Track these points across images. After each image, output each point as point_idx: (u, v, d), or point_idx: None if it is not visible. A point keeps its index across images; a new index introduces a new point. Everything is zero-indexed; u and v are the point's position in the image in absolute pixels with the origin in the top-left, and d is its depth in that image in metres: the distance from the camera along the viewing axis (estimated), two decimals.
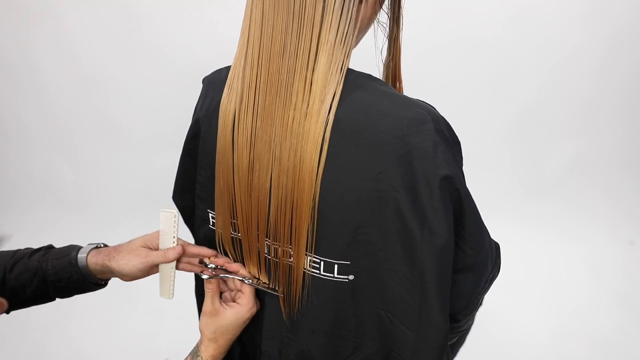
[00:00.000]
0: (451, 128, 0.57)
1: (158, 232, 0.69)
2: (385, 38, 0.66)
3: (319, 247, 0.58)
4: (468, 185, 0.56)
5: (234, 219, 0.65)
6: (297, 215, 0.57)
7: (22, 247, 0.72)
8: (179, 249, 0.67)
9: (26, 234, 2.37)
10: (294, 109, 0.54)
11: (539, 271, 2.18)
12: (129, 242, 0.70)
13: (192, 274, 0.81)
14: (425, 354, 0.58)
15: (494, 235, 0.65)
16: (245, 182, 0.60)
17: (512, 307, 1.96)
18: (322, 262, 0.59)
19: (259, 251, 0.64)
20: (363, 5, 0.55)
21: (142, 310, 1.94)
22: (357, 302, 0.61)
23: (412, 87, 0.76)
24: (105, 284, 0.73)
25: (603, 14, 2.17)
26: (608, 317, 1.93)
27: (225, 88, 0.60)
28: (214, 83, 0.67)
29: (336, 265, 0.58)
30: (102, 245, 0.72)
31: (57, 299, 0.71)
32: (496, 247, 0.67)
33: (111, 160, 2.44)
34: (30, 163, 2.50)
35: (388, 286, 0.58)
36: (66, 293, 0.70)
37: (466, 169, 0.59)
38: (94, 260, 0.68)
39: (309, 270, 0.60)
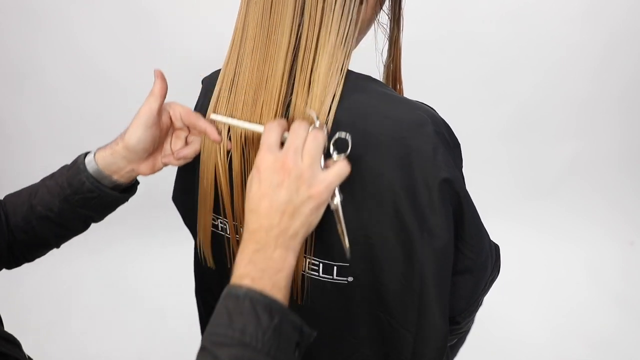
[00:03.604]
0: (451, 130, 0.57)
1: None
2: (385, 39, 0.66)
3: (317, 249, 0.58)
4: (466, 186, 0.56)
5: (234, 221, 0.64)
6: None
7: None
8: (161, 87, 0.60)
9: None
10: (293, 109, 0.54)
11: (538, 272, 2.18)
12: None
13: (192, 275, 0.81)
14: (425, 356, 0.58)
15: (492, 237, 0.65)
16: (243, 183, 0.60)
17: (512, 307, 1.96)
18: (320, 264, 0.59)
19: None
20: (363, 6, 0.55)
21: (142, 311, 1.94)
22: (357, 304, 0.61)
23: (409, 86, 0.75)
24: (126, 190, 0.66)
25: (600, 14, 2.17)
26: (607, 318, 1.93)
27: (215, 89, 0.60)
28: (213, 83, 0.67)
29: (335, 267, 0.58)
30: None
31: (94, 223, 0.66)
32: (496, 249, 0.67)
33: None
34: (31, 163, 2.49)
35: (387, 288, 0.58)
36: (92, 208, 0.64)
37: (464, 170, 0.59)
38: (102, 155, 0.61)
39: (307, 273, 0.60)
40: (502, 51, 2.23)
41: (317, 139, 0.47)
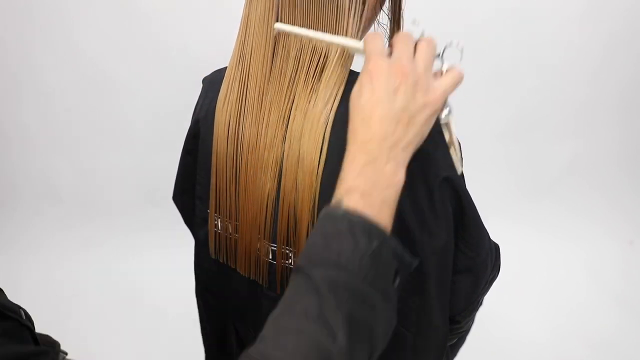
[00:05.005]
0: None
1: None
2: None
3: None
4: (466, 186, 0.56)
5: (236, 221, 0.64)
6: (297, 216, 0.57)
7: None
8: None
9: (28, 235, 2.36)
10: (295, 109, 0.54)
11: (538, 272, 2.18)
12: None
13: (192, 275, 0.81)
14: (425, 356, 0.58)
15: (492, 236, 0.65)
16: (244, 183, 0.60)
17: (512, 307, 1.96)
18: None
19: (258, 253, 0.64)
20: (365, 6, 0.56)
21: (142, 310, 1.93)
22: None
23: None
24: None
25: (600, 15, 2.17)
26: (607, 318, 1.93)
27: (222, 89, 0.60)
28: (214, 83, 0.67)
29: None
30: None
31: None
32: (496, 248, 0.67)
33: (112, 161, 2.43)
34: (31, 163, 2.49)
35: None
36: None
37: (464, 170, 0.59)
38: None
39: None
40: (502, 52, 2.23)
41: (430, 44, 0.45)
